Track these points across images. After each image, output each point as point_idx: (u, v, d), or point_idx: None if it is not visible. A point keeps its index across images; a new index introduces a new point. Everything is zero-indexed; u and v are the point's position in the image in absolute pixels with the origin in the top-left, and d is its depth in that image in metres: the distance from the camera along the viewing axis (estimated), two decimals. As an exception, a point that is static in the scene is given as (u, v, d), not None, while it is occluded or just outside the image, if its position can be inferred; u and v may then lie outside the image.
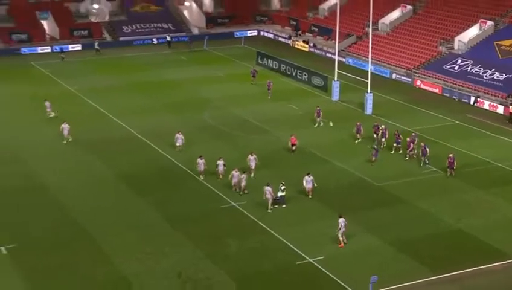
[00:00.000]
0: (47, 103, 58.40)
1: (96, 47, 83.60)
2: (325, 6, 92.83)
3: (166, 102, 63.65)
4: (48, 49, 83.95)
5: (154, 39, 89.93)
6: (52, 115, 57.78)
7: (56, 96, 64.14)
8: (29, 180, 45.67)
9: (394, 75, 73.67)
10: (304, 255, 36.16)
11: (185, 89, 68.23)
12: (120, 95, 65.71)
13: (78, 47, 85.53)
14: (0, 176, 46.10)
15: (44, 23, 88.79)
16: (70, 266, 35.10)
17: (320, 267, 35.04)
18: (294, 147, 50.24)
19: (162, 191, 44.32)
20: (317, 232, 38.06)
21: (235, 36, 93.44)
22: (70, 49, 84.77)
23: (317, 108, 57.08)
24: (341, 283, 33.50)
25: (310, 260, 35.68)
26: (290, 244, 37.23)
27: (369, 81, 61.66)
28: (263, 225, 39.60)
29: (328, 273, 34.45)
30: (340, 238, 36.71)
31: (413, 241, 37.68)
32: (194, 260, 35.83)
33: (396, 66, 75.07)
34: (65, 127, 51.93)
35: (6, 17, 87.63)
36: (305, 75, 70.31)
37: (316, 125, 56.58)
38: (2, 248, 36.60)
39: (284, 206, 41.53)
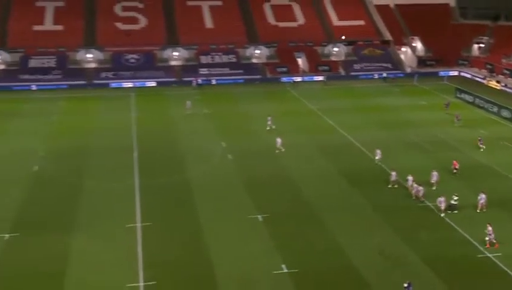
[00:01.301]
0: (269, 118, 59.47)
1: (323, 79, 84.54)
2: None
3: (381, 120, 62.26)
4: (299, 79, 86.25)
5: (375, 75, 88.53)
6: (272, 127, 58.28)
7: (301, 113, 65.94)
8: (279, 172, 47.23)
9: None
10: (483, 250, 33.43)
11: (395, 113, 66.24)
12: (346, 114, 65.44)
13: (320, 78, 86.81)
14: (262, 169, 48.10)
15: (299, 60, 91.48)
16: (300, 233, 35.77)
17: (497, 262, 32.25)
18: (455, 171, 45.67)
19: (370, 186, 43.42)
20: (495, 233, 34.82)
21: (439, 75, 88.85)
22: (315, 79, 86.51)
23: (479, 138, 52.67)
24: (513, 276, 30.55)
25: (489, 255, 32.95)
26: (472, 240, 34.63)
27: (551, 116, 55.47)
28: (450, 222, 37.27)
29: (503, 267, 31.62)
30: (493, 241, 33.86)
31: None
32: (393, 241, 34.71)
33: None
34: (279, 140, 51.99)
35: (274, 55, 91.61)
36: (495, 108, 64.94)
37: (481, 150, 51.85)
38: (259, 216, 38.24)
39: (455, 211, 38.57)
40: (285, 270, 31.76)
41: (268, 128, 58.75)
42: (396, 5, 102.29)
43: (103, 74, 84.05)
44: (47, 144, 53.95)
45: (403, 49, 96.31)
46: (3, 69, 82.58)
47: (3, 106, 69.46)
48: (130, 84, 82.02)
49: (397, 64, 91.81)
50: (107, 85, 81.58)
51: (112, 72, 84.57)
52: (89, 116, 64.83)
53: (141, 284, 30.15)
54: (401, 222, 37.42)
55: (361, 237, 35.29)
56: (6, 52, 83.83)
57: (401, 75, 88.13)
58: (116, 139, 55.76)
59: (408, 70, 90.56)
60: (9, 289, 29.53)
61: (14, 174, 45.71)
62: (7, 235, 35.30)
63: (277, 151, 51.66)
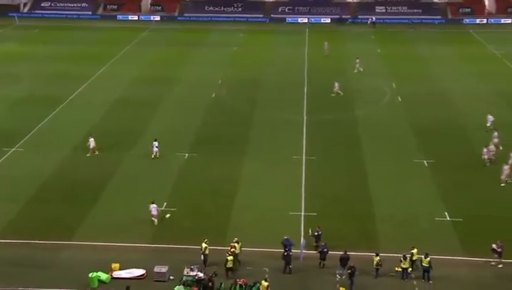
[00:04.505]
0: (357, 60, 56.48)
1: None
2: None
3: None
4: (484, 21, 79.11)
5: None
6: (360, 70, 55.75)
7: (481, 57, 61.09)
8: (451, 120, 44.51)
9: None
10: None
11: None
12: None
13: (509, 21, 78.69)
14: (433, 114, 45.87)
15: (486, 1, 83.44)
16: (467, 184, 33.95)
17: None
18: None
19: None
20: None
21: None
22: (503, 22, 78.71)
23: None
24: None
25: None
26: None
27: None
28: None
29: None
30: None
31: None
32: None
33: None
34: (336, 84, 49.07)
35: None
36: None
37: None
38: (425, 161, 36.86)
39: None
40: (448, 219, 30.56)
41: (355, 70, 56.15)
42: None
43: (280, 8, 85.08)
44: (225, 73, 56.78)
45: None
46: (192, 0, 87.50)
47: (190, 35, 74.10)
48: (305, 20, 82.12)
49: None
50: (283, 20, 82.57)
51: (289, 7, 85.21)
52: (265, 49, 66.56)
53: (302, 213, 31.14)
54: None
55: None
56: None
57: None
58: (288, 73, 56.76)
59: None
60: (186, 203, 32.47)
61: (196, 99, 49.08)
62: (187, 154, 38.44)
63: (332, 94, 49.09)
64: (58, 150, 38.78)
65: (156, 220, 30.08)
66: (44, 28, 77.81)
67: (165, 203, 32.03)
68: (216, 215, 31.02)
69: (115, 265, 26.36)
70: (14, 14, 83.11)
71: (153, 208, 30.06)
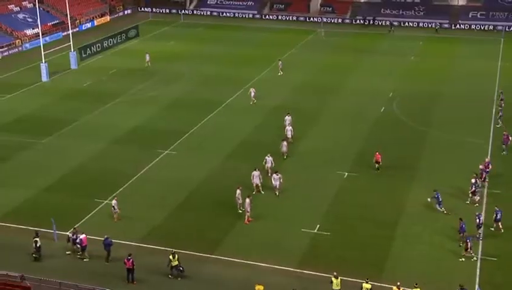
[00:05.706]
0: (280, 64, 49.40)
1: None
2: None
3: None
4: None
5: None
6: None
7: None
8: None
9: None
10: None
11: None
12: None
13: None
14: None
15: None
16: None
17: None
18: (377, 165, 38.31)
19: None
20: None
21: None
22: None
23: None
24: None
25: None
26: None
27: None
28: None
29: None
30: None
31: None
32: None
33: None
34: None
35: None
36: None
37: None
38: None
39: None
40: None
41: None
42: None
43: (471, 14, 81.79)
44: (398, 85, 55.86)
45: None
46: (365, 2, 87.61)
47: (361, 41, 74.19)
48: (500, 27, 78.10)
49: None
50: (474, 26, 79.56)
51: (482, 12, 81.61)
52: (448, 60, 64.47)
53: (479, 257, 29.39)
54: None
55: None
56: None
57: None
58: (474, 90, 54.35)
59: None
60: (340, 228, 32.33)
61: (362, 112, 48.87)
62: (346, 173, 38.34)
63: (251, 103, 50.79)
64: (211, 156, 40.98)
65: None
66: (208, 26, 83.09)
67: (318, 226, 32.26)
68: (373, 246, 30.54)
69: (259, 287, 26.89)
70: (180, 12, 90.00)
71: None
